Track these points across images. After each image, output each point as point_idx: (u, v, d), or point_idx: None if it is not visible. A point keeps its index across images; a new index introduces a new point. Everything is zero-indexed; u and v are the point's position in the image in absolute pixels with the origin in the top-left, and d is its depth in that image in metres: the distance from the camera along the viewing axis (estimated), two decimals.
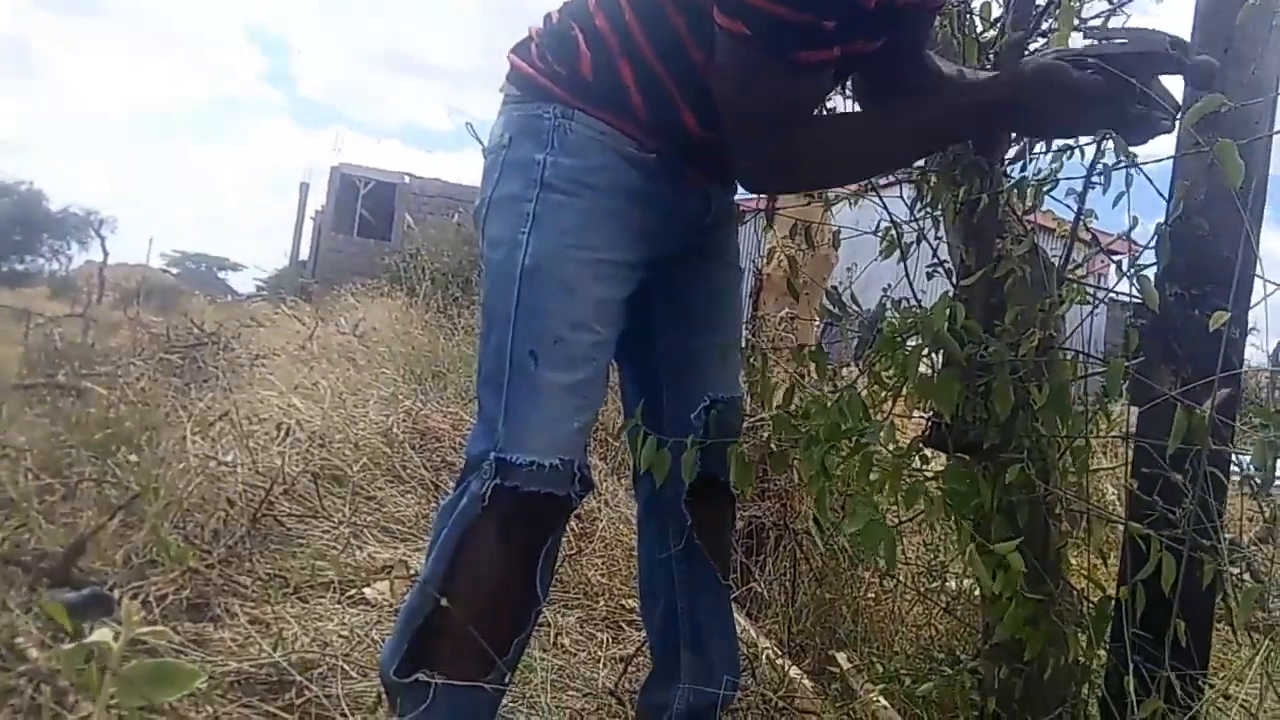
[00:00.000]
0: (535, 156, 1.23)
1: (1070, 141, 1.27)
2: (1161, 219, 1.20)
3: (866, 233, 1.60)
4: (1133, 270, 1.14)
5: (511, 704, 1.65)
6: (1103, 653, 1.23)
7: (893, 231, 1.41)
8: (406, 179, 19.20)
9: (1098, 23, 1.45)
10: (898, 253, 1.51)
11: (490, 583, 1.22)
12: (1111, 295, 1.39)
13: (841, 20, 1.08)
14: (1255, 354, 1.61)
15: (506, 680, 1.25)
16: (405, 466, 3.18)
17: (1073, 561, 1.52)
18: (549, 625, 2.10)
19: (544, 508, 1.21)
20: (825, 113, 1.43)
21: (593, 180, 1.23)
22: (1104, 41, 1.13)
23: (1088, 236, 1.34)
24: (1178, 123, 1.11)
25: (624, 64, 1.22)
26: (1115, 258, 1.30)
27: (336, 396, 3.74)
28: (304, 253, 22.00)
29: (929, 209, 1.47)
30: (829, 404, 1.29)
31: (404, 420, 3.53)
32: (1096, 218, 1.31)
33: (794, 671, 1.84)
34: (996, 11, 1.53)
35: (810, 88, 1.18)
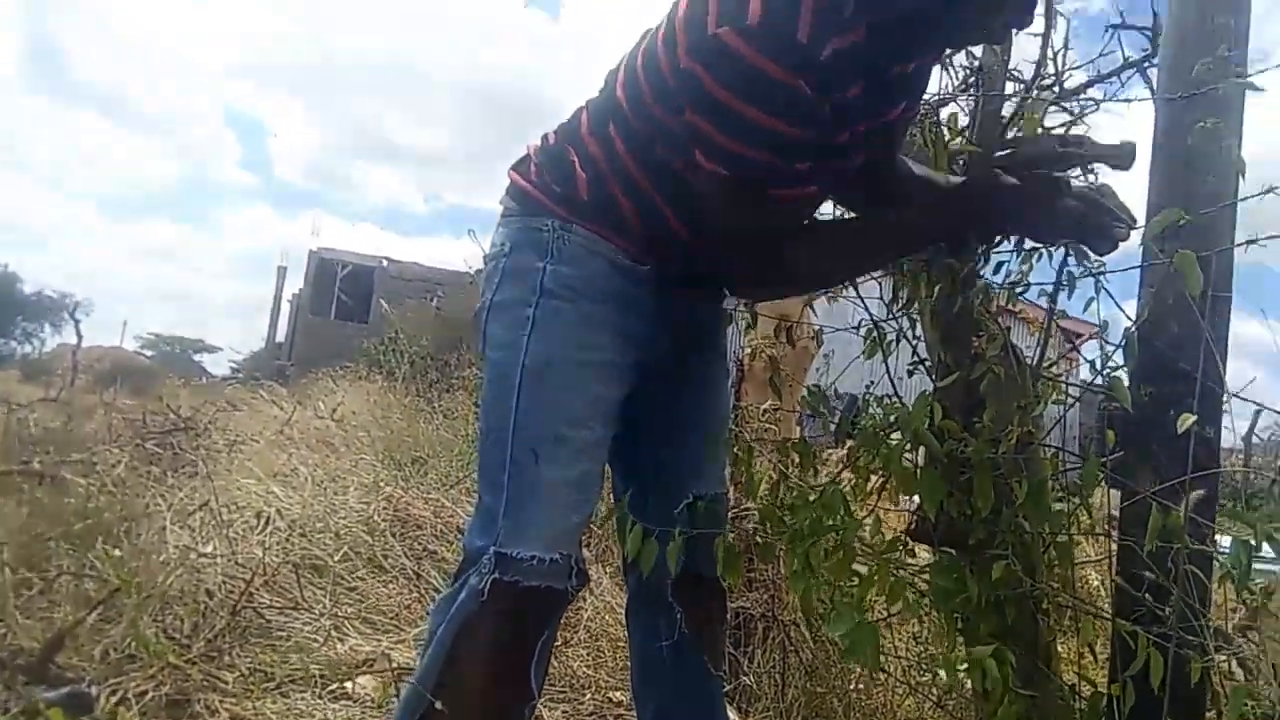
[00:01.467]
0: (536, 264, 1.28)
1: (1039, 245, 1.34)
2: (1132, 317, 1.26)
3: (847, 329, 1.66)
4: (1106, 371, 1.18)
5: None
6: None
7: (874, 332, 1.46)
8: (384, 263, 19.33)
9: (1059, 132, 1.54)
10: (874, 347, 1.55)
11: (488, 676, 1.23)
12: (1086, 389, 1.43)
13: (817, 162, 1.16)
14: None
15: None
16: (387, 555, 3.14)
17: (1062, 654, 1.53)
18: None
19: (543, 602, 1.23)
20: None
21: (588, 288, 1.28)
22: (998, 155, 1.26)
23: (1060, 335, 1.40)
24: (1140, 232, 1.19)
25: (615, 187, 1.29)
26: (1087, 354, 1.36)
27: (316, 484, 3.72)
28: (281, 335, 21.97)
29: (905, 309, 1.52)
30: (811, 499, 1.32)
31: (385, 508, 3.50)
32: (1068, 316, 1.37)
33: None
34: (963, 121, 1.61)
35: (788, 216, 1.25)
